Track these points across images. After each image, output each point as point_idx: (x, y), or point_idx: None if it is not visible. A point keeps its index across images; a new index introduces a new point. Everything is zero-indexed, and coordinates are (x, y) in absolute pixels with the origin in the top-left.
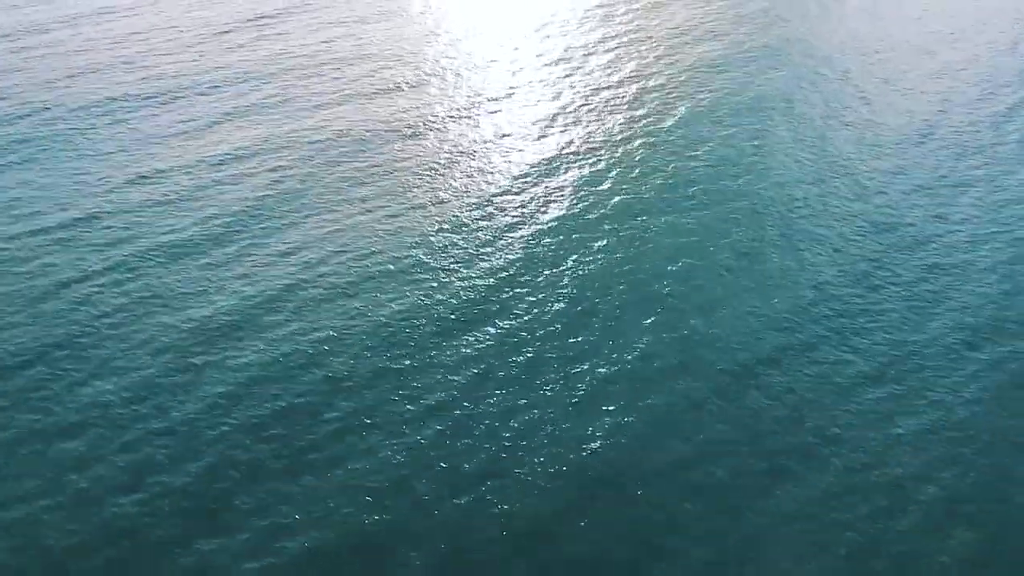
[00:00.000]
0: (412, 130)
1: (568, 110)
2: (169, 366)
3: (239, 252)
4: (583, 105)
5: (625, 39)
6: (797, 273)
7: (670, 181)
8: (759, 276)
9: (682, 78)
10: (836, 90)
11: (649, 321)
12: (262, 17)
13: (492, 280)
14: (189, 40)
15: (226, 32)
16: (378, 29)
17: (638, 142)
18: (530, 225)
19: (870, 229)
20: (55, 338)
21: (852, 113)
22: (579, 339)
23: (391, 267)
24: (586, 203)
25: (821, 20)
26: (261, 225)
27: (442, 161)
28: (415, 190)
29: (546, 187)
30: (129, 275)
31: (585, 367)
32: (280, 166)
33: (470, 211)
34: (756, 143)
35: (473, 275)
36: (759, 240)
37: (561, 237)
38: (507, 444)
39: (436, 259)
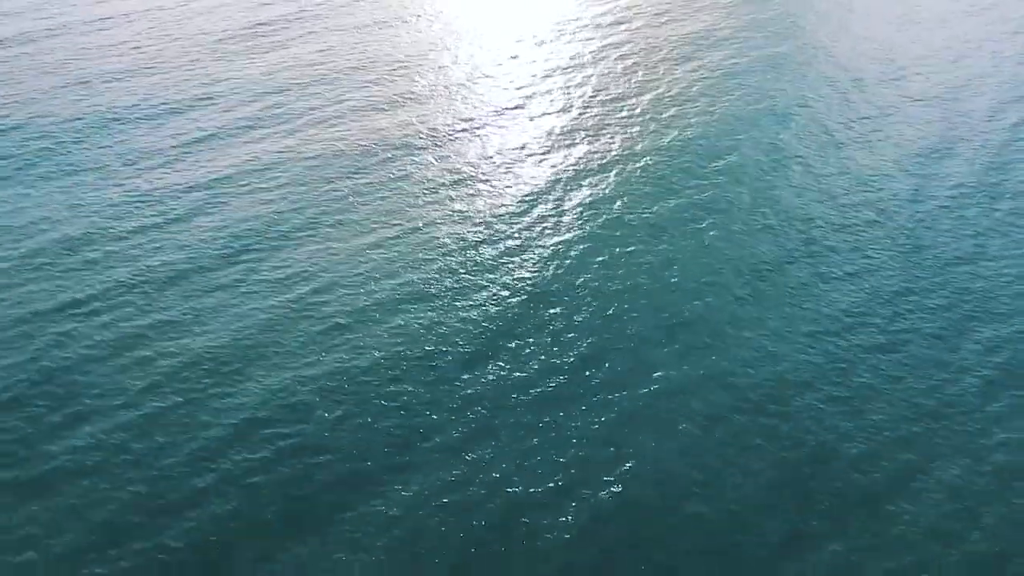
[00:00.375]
0: (412, 146)
1: (576, 124)
2: (161, 404)
3: (234, 279)
4: (591, 118)
5: (633, 48)
6: (820, 295)
7: (684, 197)
8: (781, 298)
9: (693, 89)
10: (853, 101)
11: (670, 348)
12: (259, 25)
13: (502, 308)
14: (183, 51)
15: (221, 42)
16: (377, 39)
17: (649, 157)
18: (540, 247)
19: (893, 247)
20: (36, 373)
21: (870, 124)
22: (598, 371)
23: (394, 295)
24: (597, 222)
25: (839, 29)
26: (257, 250)
27: (445, 179)
28: (417, 210)
29: (555, 207)
30: (117, 304)
31: (607, 399)
32: (276, 185)
33: (476, 233)
34: (772, 157)
35: (482, 304)
36: (781, 260)
37: (572, 259)
38: (525, 487)
39: (442, 285)
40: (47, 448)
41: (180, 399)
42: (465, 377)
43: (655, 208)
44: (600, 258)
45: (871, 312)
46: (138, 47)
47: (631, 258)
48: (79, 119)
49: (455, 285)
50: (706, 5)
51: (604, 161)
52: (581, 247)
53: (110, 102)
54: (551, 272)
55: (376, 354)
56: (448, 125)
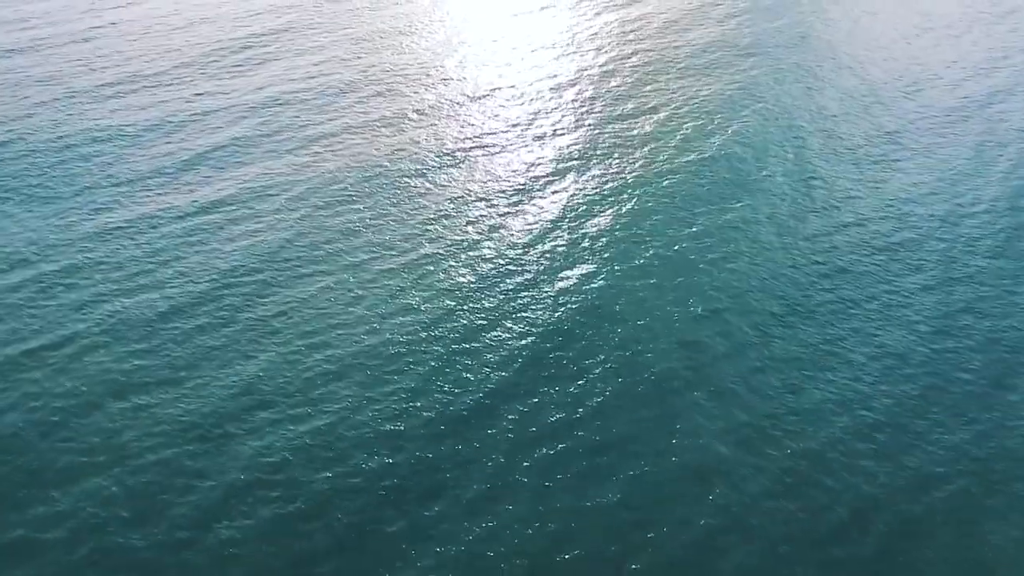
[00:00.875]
0: (414, 168)
1: (587, 143)
2: (155, 465)
3: (222, 320)
4: (604, 136)
5: (643, 60)
6: (852, 332)
7: (704, 222)
8: (812, 335)
9: (709, 104)
10: (875, 114)
11: (694, 393)
12: (251, 35)
13: (514, 349)
14: (172, 65)
15: (212, 55)
16: (375, 50)
17: (666, 179)
18: (553, 280)
19: (927, 275)
20: (14, 422)
21: (893, 139)
22: (619, 423)
23: (397, 337)
24: (613, 251)
25: (853, 37)
26: (248, 286)
27: (448, 205)
28: (420, 240)
29: (568, 236)
30: (91, 347)
31: (627, 452)
32: (269, 211)
33: (484, 266)
34: (794, 177)
35: (493, 345)
36: (809, 290)
37: (588, 293)
38: (545, 555)
39: (447, 325)
40: (9, 517)
41: (161, 459)
42: (477, 428)
43: (674, 235)
44: (617, 291)
45: (908, 351)
46: (125, 61)
47: (651, 291)
48: (61, 138)
49: (462, 325)
50: (716, 16)
51: (619, 183)
52: (597, 279)
53: (94, 120)
54: (565, 308)
55: (378, 406)
56: (452, 145)
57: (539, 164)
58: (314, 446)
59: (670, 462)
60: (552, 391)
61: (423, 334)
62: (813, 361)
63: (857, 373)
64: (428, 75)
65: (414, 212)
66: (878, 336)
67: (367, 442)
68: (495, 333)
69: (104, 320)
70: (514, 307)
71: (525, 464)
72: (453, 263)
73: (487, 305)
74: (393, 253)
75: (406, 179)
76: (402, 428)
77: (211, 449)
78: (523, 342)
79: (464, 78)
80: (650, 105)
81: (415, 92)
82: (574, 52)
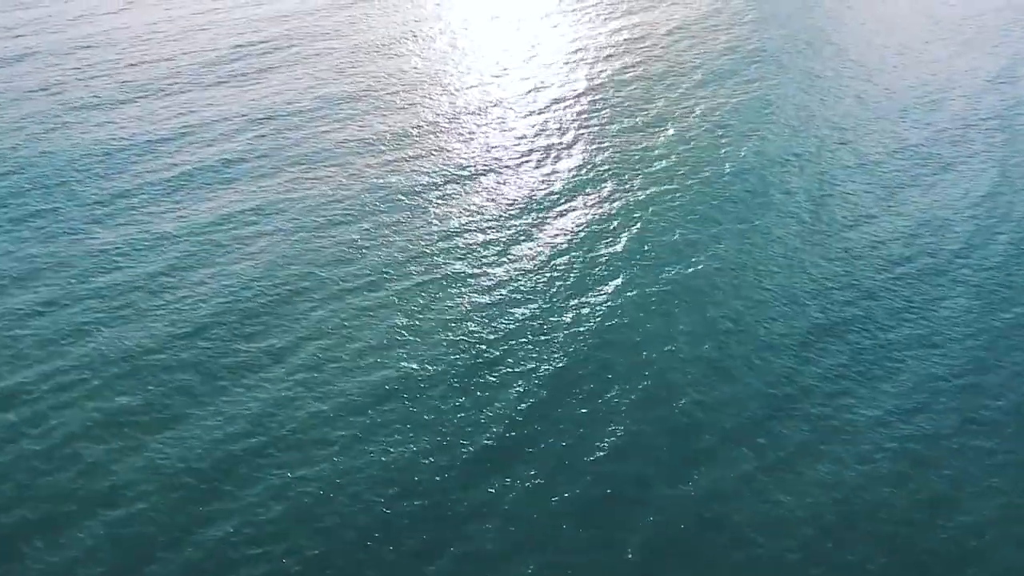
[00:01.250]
0: (412, 187)
1: (590, 163)
2: (141, 514)
3: (217, 353)
4: (607, 158)
5: (652, 70)
6: (885, 368)
7: (725, 248)
8: (841, 372)
9: (723, 118)
10: (899, 130)
11: (712, 436)
12: (241, 47)
13: (525, 391)
14: (164, 77)
15: (202, 69)
16: (374, 61)
17: (684, 197)
18: (561, 314)
19: (963, 304)
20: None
21: (920, 156)
22: (636, 472)
23: (401, 376)
24: (627, 279)
25: (871, 46)
26: (241, 316)
27: (449, 227)
28: (422, 264)
29: (579, 265)
30: (66, 387)
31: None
32: (264, 233)
33: (488, 295)
34: (816, 196)
35: (502, 387)
36: (837, 320)
37: (601, 327)
38: None
39: (452, 361)
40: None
41: (146, 508)
42: (488, 477)
43: (691, 255)
44: (634, 317)
45: (943, 391)
46: (115, 72)
47: (670, 315)
48: (50, 153)
49: (469, 358)
50: (724, 23)
51: (632, 201)
52: (613, 305)
53: (84, 135)
54: (580, 337)
55: (384, 459)
56: (457, 161)
57: (549, 181)
58: (312, 494)
59: (692, 502)
60: (568, 431)
61: (428, 368)
62: (843, 390)
63: (893, 403)
64: (431, 87)
65: (417, 234)
66: (909, 362)
67: (369, 490)
68: (506, 367)
69: (86, 353)
70: (526, 337)
71: (535, 515)
72: (459, 289)
73: (496, 335)
74: (396, 278)
75: (408, 198)
76: (404, 477)
77: (204, 496)
78: (537, 376)
79: (468, 90)
80: (661, 117)
81: (417, 105)
82: (580, 62)
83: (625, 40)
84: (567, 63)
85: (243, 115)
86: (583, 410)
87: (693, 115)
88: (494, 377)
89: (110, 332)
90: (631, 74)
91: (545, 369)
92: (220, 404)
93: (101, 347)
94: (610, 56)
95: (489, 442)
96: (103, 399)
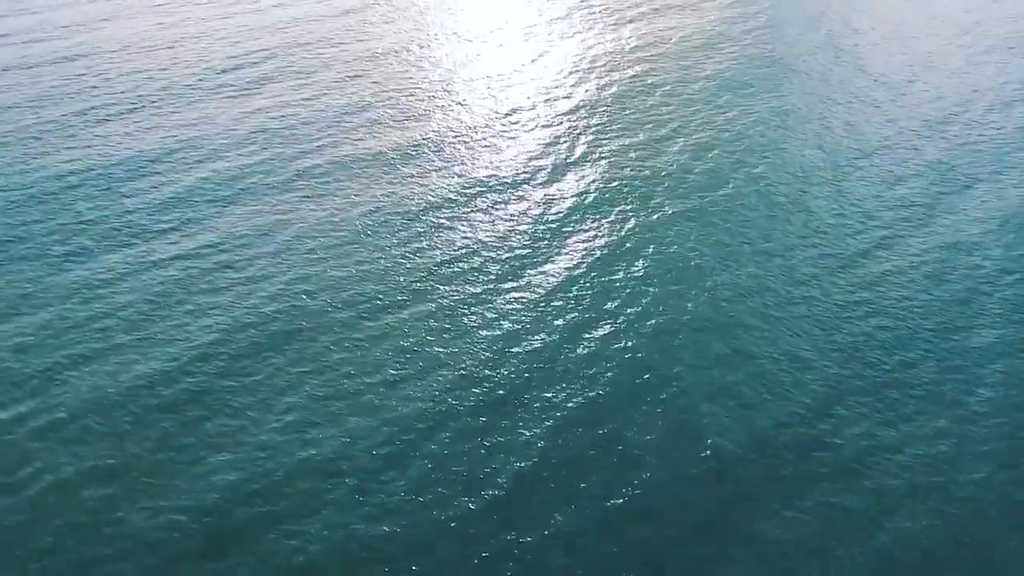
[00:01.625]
0: (415, 208)
1: (602, 181)
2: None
3: (210, 394)
4: (620, 176)
5: (660, 80)
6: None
7: (744, 271)
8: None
9: (737, 133)
10: (923, 146)
11: (716, 490)
12: (235, 58)
13: (540, 430)
14: (150, 91)
15: (194, 82)
16: (371, 74)
17: (687, 221)
18: (578, 346)
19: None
20: None
21: (947, 172)
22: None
23: (404, 417)
24: (642, 307)
25: (889, 53)
26: (236, 351)
27: (455, 251)
28: (423, 293)
29: (592, 287)
30: (66, 423)
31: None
32: (257, 259)
33: (498, 326)
34: (838, 214)
35: (507, 450)
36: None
37: (619, 360)
38: None
39: (460, 407)
40: None
41: (136, 569)
42: (500, 533)
43: (711, 289)
44: (652, 356)
45: (981, 440)
46: (103, 84)
47: (693, 345)
48: (26, 172)
49: (475, 403)
50: (739, 31)
51: (645, 222)
52: (633, 336)
53: (63, 153)
54: (601, 370)
55: (386, 513)
56: (462, 180)
57: (559, 200)
58: (305, 552)
59: (732, 562)
60: (588, 479)
61: (434, 408)
62: (869, 432)
63: (921, 448)
64: (435, 100)
65: (420, 258)
66: (945, 393)
67: (369, 549)
68: (518, 406)
69: (72, 394)
70: (539, 372)
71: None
72: (466, 319)
73: (507, 370)
74: (397, 306)
75: (410, 220)
76: (410, 534)
77: (201, 554)
78: (552, 416)
79: (474, 104)
80: (675, 132)
81: (421, 120)
82: (589, 73)
83: (635, 50)
84: (576, 74)
85: (236, 131)
86: (603, 455)
87: (709, 128)
88: (506, 420)
89: (86, 370)
90: (642, 85)
91: (561, 408)
92: (206, 451)
93: (77, 387)
94: (620, 67)
95: (501, 493)
96: (83, 445)
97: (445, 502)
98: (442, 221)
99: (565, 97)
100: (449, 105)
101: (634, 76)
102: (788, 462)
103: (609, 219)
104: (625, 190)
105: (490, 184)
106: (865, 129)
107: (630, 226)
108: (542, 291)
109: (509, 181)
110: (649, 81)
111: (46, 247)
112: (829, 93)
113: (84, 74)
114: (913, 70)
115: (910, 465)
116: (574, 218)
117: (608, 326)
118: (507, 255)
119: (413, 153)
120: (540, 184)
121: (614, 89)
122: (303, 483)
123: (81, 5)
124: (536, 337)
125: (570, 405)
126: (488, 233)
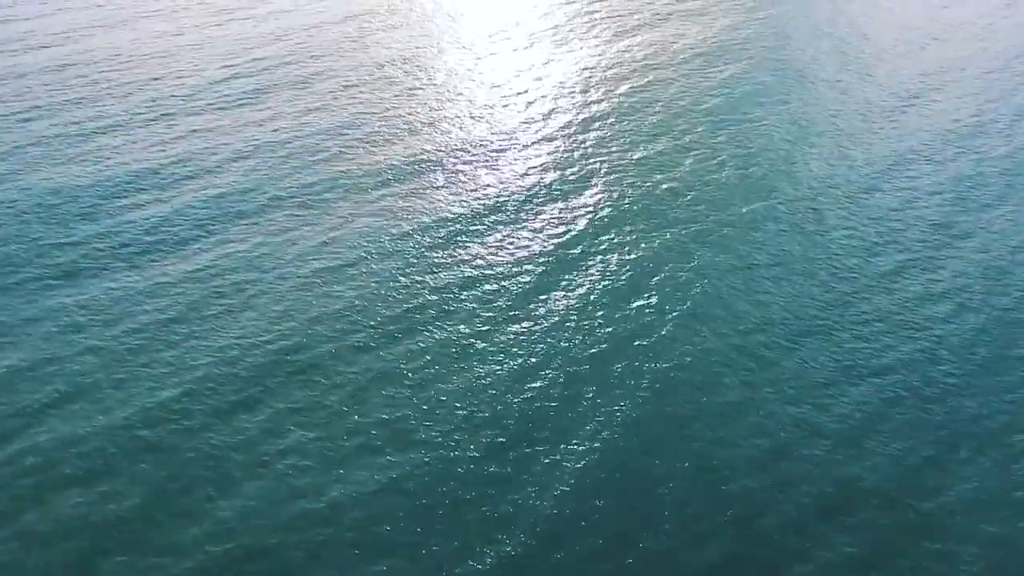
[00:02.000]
0: (416, 230)
1: (610, 201)
2: None
3: (208, 434)
4: (627, 195)
5: (664, 92)
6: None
7: (761, 298)
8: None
9: (749, 146)
10: (946, 160)
11: (718, 517)
12: (231, 67)
13: (544, 491)
14: (141, 104)
15: (188, 95)
16: (369, 85)
17: (699, 244)
18: (595, 376)
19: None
20: None
21: (974, 188)
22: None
23: (402, 476)
24: (662, 334)
25: (909, 60)
26: (230, 387)
27: (460, 276)
28: (427, 321)
29: (604, 311)
30: (45, 467)
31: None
32: (252, 284)
33: (506, 358)
34: (859, 232)
35: (520, 497)
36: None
37: (641, 393)
38: None
39: (464, 457)
40: None
41: None
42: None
43: (733, 316)
44: (672, 390)
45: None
46: (94, 97)
47: (710, 389)
48: (11, 190)
49: (486, 446)
50: (744, 38)
51: (656, 244)
52: (647, 381)
53: (53, 170)
54: (610, 418)
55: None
56: (465, 200)
57: (565, 220)
58: None
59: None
60: (609, 527)
61: (441, 453)
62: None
63: (966, 487)
64: (436, 113)
65: (422, 284)
66: (968, 406)
67: None
68: (530, 449)
69: (53, 433)
70: (552, 410)
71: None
72: (473, 351)
73: (517, 410)
74: (399, 338)
75: (412, 242)
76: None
77: None
78: (568, 460)
79: (477, 117)
80: (683, 145)
81: (423, 135)
82: (595, 84)
83: (639, 60)
84: (581, 84)
85: (230, 145)
86: (625, 500)
87: (718, 141)
88: (515, 466)
89: (83, 405)
90: (648, 96)
91: (572, 452)
92: (199, 501)
93: (63, 423)
94: (625, 77)
95: (515, 551)
96: (68, 487)
97: (453, 558)
98: (444, 242)
99: (569, 109)
100: (451, 118)
101: (640, 86)
102: (809, 503)
103: (618, 241)
104: (635, 208)
105: (495, 203)
106: (879, 141)
107: (641, 250)
108: (549, 323)
109: (515, 200)
110: (656, 91)
111: (30, 270)
112: (839, 102)
113: (72, 86)
114: (925, 79)
115: (954, 507)
116: (584, 240)
117: (624, 361)
118: (514, 281)
119: (414, 169)
120: (545, 202)
121: (619, 100)
122: (295, 534)
123: (73, 12)
124: (545, 372)
125: (581, 449)
126: (493, 257)
